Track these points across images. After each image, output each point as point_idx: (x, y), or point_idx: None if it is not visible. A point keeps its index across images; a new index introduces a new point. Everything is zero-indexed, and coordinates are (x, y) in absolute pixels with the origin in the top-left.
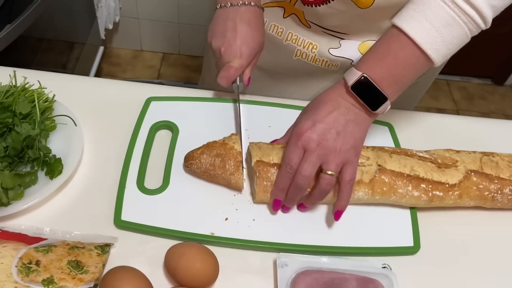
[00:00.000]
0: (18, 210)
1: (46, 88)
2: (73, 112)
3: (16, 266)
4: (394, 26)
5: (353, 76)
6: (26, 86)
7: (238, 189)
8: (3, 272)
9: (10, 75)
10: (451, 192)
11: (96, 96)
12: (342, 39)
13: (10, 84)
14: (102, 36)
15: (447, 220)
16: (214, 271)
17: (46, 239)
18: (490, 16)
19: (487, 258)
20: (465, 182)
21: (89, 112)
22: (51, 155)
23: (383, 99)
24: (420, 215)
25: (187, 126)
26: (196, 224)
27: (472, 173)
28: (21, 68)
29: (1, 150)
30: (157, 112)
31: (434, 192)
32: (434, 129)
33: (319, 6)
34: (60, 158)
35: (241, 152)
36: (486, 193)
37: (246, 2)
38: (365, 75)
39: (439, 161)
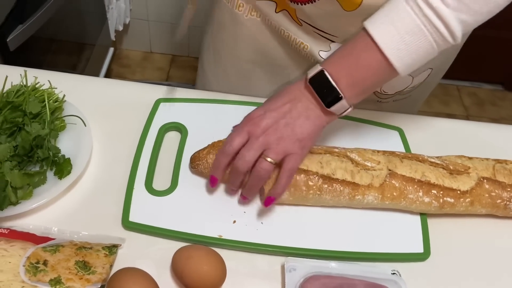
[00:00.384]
0: (26, 209)
1: (56, 88)
2: (82, 113)
3: (23, 266)
4: (363, 28)
5: (314, 70)
6: (37, 86)
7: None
8: (11, 271)
9: (21, 74)
10: (462, 199)
11: (105, 97)
12: (332, 42)
13: (21, 83)
14: (112, 37)
15: (458, 227)
16: (221, 275)
17: (54, 239)
18: (458, 31)
19: (498, 267)
20: (477, 189)
21: (99, 112)
22: (60, 155)
23: (338, 97)
24: (431, 222)
25: (196, 128)
26: (204, 226)
27: (485, 180)
28: (32, 68)
29: (10, 149)
30: (166, 114)
31: (445, 198)
32: (445, 135)
33: (305, 5)
34: (69, 158)
35: None
36: (499, 201)
37: None
38: (324, 69)
39: (451, 168)
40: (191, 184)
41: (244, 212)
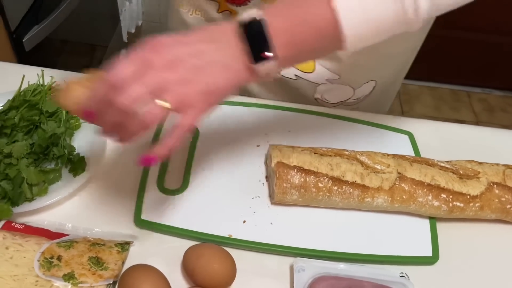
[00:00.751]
0: (41, 205)
1: None
2: None
3: (38, 260)
4: None
5: (250, 15)
6: (53, 85)
7: None
8: (26, 266)
9: (37, 74)
10: (472, 204)
11: None
12: None
13: (38, 83)
14: (125, 39)
15: (467, 232)
16: (231, 273)
17: (68, 235)
18: (425, 7)
19: (506, 273)
20: (487, 194)
21: None
22: (75, 153)
23: (269, 55)
24: (440, 226)
25: (208, 129)
26: (214, 225)
27: (495, 186)
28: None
29: (27, 147)
30: None
31: (454, 202)
32: (455, 140)
33: (239, 6)
34: (83, 156)
35: None
36: (508, 206)
37: None
38: (263, 18)
39: (461, 172)
40: (202, 184)
41: (254, 213)
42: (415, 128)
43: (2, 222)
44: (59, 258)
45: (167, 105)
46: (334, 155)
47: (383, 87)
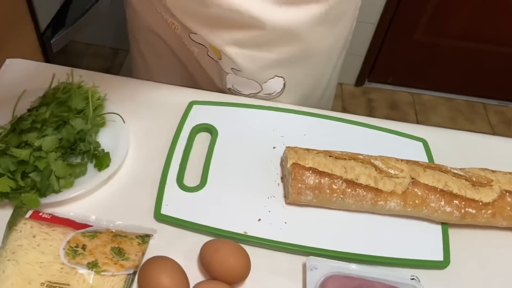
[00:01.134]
0: (67, 197)
1: (99, 87)
2: (122, 111)
3: (63, 249)
4: None
5: None
6: (81, 84)
7: None
8: (52, 253)
9: (67, 73)
10: (484, 211)
11: (143, 98)
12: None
13: (67, 81)
14: None
15: (479, 238)
16: (246, 268)
17: (92, 226)
18: None
19: None
20: (499, 201)
21: (136, 111)
22: (100, 149)
23: None
24: (452, 231)
25: (227, 130)
26: (230, 222)
27: (507, 194)
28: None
29: (56, 141)
30: (199, 115)
31: (466, 209)
32: (469, 148)
33: None
34: (108, 152)
35: None
36: None
37: None
38: None
39: (474, 179)
40: (220, 182)
41: (269, 212)
42: (430, 135)
43: (30, 212)
44: (83, 247)
45: None
46: (349, 159)
47: (302, 85)
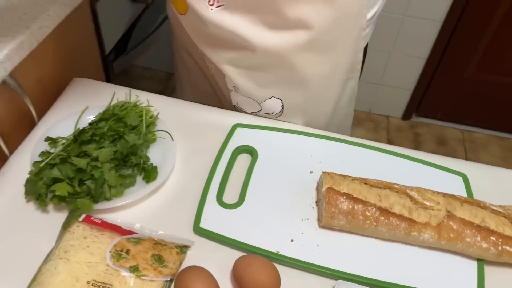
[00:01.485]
0: (117, 205)
1: (152, 106)
2: (171, 129)
3: (109, 252)
4: None
5: None
6: (137, 103)
7: None
8: (99, 255)
9: (126, 93)
10: None
11: (191, 118)
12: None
13: (125, 100)
14: None
15: None
16: (276, 286)
17: (136, 233)
18: None
19: None
20: None
21: (184, 130)
22: (149, 163)
23: None
24: (488, 269)
25: (267, 153)
26: (264, 240)
27: None
28: None
29: (111, 153)
30: (241, 137)
31: (504, 246)
32: (510, 186)
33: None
34: (156, 166)
35: None
36: None
37: None
38: None
39: None
40: (257, 201)
41: (302, 233)
42: (470, 170)
43: (83, 216)
44: (127, 251)
45: None
46: (384, 188)
47: (301, 109)
